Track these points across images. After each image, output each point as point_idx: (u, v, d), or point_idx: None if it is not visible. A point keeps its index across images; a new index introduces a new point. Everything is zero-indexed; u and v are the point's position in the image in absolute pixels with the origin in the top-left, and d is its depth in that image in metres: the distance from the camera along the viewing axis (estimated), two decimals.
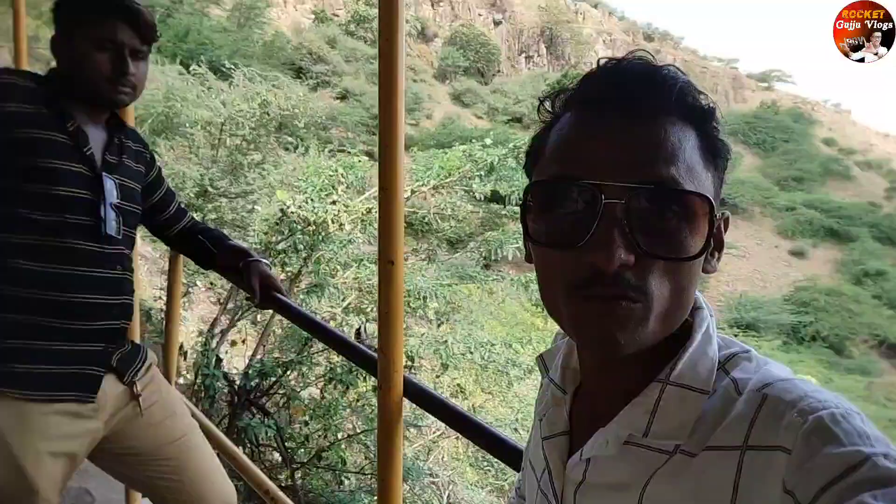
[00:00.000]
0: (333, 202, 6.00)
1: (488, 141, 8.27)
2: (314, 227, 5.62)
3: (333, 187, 6.36)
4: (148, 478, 1.56)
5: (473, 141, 9.68)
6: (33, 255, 1.35)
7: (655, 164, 0.51)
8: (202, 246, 1.76)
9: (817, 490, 0.43)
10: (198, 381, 4.57)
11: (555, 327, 0.65)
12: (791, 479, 0.45)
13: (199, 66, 10.61)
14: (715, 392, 0.54)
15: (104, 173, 1.43)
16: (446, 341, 8.03)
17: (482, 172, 8.12)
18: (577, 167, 0.52)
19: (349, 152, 9.89)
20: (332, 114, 25.27)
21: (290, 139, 13.08)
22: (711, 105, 0.55)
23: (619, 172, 0.51)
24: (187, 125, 11.04)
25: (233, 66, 11.56)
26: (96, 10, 1.40)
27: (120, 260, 1.47)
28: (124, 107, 1.51)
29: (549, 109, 0.60)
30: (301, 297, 5.48)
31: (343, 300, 6.24)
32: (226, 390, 4.19)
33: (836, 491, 0.42)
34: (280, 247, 5.62)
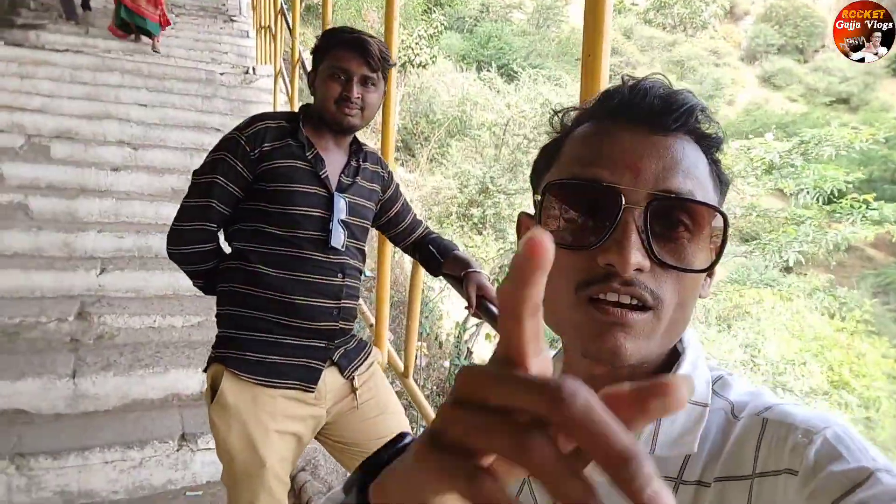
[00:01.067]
0: None
1: (769, 136, 7.48)
2: None
3: None
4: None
5: (777, 129, 8.78)
6: (270, 263, 1.54)
7: (676, 175, 0.52)
8: (431, 255, 1.84)
9: None
10: (449, 369, 5.10)
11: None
12: (800, 501, 0.44)
13: (489, 71, 11.53)
14: (712, 413, 0.54)
15: (337, 193, 1.59)
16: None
17: (758, 172, 7.38)
18: (599, 170, 0.52)
19: None
20: None
21: None
22: (720, 134, 0.57)
23: (641, 179, 0.51)
24: (475, 127, 11.97)
25: (520, 69, 12.27)
26: (333, 45, 1.58)
27: (342, 269, 1.60)
28: (354, 129, 1.63)
29: (562, 121, 0.61)
30: None
31: None
32: None
33: None
34: None
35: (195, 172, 1.60)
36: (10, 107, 4.64)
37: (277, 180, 1.54)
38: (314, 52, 1.63)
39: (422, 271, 2.11)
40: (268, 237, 1.55)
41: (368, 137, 13.87)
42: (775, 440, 0.49)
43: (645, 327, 0.51)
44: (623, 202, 0.50)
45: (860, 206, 8.21)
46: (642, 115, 0.54)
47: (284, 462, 1.58)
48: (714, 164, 0.57)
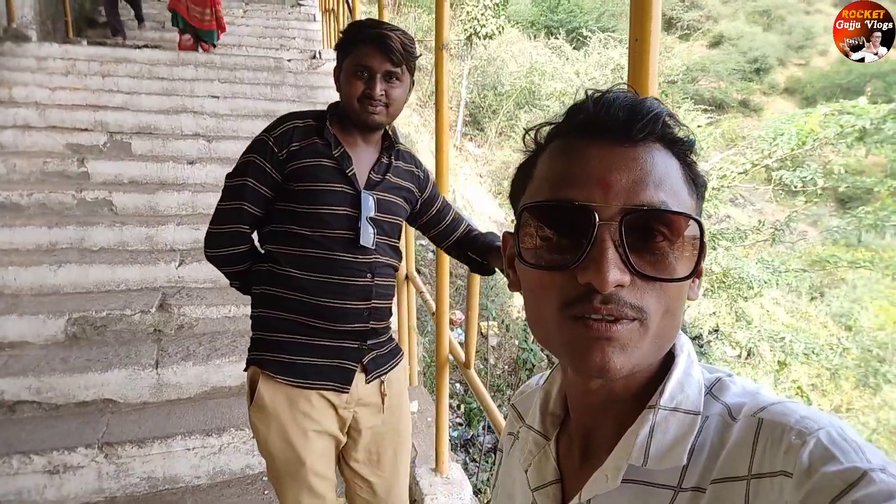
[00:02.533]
0: None
1: (862, 100, 6.83)
2: None
3: None
4: (350, 461, 1.72)
5: (875, 83, 8.08)
6: (299, 265, 1.54)
7: (647, 187, 0.52)
8: (471, 259, 1.82)
9: None
10: (517, 354, 5.07)
11: None
12: (794, 502, 0.44)
13: (557, 38, 11.19)
14: (708, 419, 0.55)
15: (364, 190, 1.57)
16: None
17: (849, 139, 6.77)
18: (570, 189, 0.53)
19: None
20: (701, 64, 23.66)
21: None
22: (691, 137, 0.57)
23: (612, 194, 0.51)
24: (544, 98, 11.69)
25: (590, 34, 11.81)
26: (354, 41, 1.55)
27: (372, 269, 1.58)
28: (379, 127, 1.60)
29: (535, 139, 0.61)
30: None
31: None
32: (543, 364, 4.57)
33: None
34: None
35: (228, 176, 1.61)
36: (94, 105, 4.89)
37: (304, 179, 1.54)
38: (337, 47, 1.60)
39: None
40: (296, 238, 1.55)
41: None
42: (770, 441, 0.49)
43: (631, 338, 0.51)
44: (597, 220, 0.51)
45: None
46: (608, 128, 0.54)
47: (324, 458, 1.61)
48: (688, 167, 0.57)
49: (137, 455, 2.64)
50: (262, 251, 1.64)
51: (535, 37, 15.67)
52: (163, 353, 3.10)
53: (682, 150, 0.56)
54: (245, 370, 1.66)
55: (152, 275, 3.58)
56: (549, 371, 0.71)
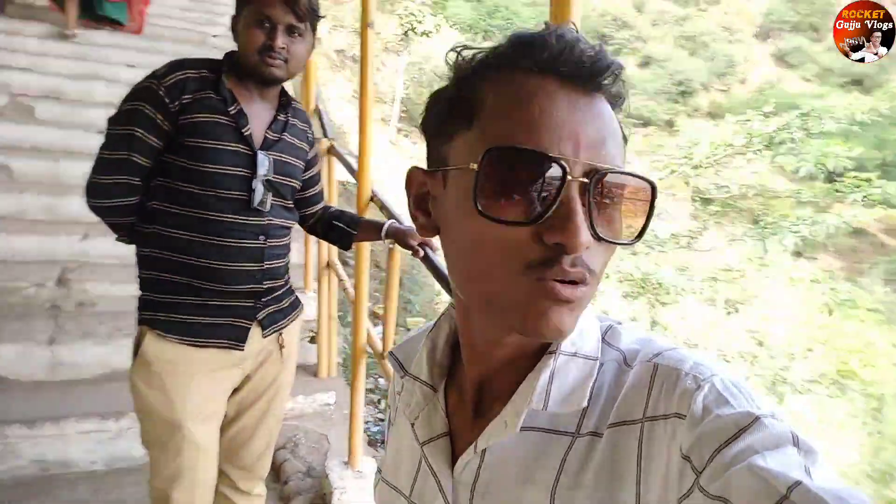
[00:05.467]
0: None
1: (767, 109, 7.29)
2: None
3: None
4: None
5: (791, 110, 8.57)
6: (186, 227, 1.48)
7: (608, 145, 0.50)
8: (340, 228, 1.82)
9: (711, 452, 0.43)
10: None
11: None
12: (686, 445, 0.45)
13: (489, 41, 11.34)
14: (604, 365, 0.55)
15: (260, 151, 1.51)
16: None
17: (760, 147, 7.18)
18: (540, 137, 0.48)
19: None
20: (631, 83, 24.60)
21: None
22: (626, 92, 0.55)
23: (581, 149, 0.48)
24: None
25: None
26: None
27: (265, 231, 1.54)
28: (278, 81, 1.53)
29: (469, 64, 0.55)
30: None
31: None
32: None
33: (729, 453, 0.42)
34: None
35: (110, 120, 1.49)
36: None
37: (195, 136, 1.46)
38: None
39: (399, 251, 2.02)
40: (184, 196, 1.48)
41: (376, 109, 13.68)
42: (665, 385, 0.50)
43: (584, 300, 0.51)
44: (568, 176, 0.48)
45: (862, 185, 7.85)
46: (573, 72, 0.50)
47: (210, 402, 1.57)
48: (621, 124, 0.55)
49: (27, 435, 2.43)
50: (148, 208, 1.53)
51: (473, 39, 15.79)
52: (59, 331, 2.87)
53: (620, 103, 0.55)
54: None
55: (52, 247, 3.31)
56: (431, 321, 0.67)
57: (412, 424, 0.63)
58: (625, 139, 0.55)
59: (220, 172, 1.47)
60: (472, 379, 0.60)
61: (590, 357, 0.55)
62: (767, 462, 0.40)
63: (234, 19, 1.52)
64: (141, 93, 1.46)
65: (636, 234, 0.52)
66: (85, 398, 2.64)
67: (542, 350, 0.56)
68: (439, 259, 1.71)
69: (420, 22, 11.59)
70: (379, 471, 0.71)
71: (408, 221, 1.72)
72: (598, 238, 0.49)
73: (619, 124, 0.54)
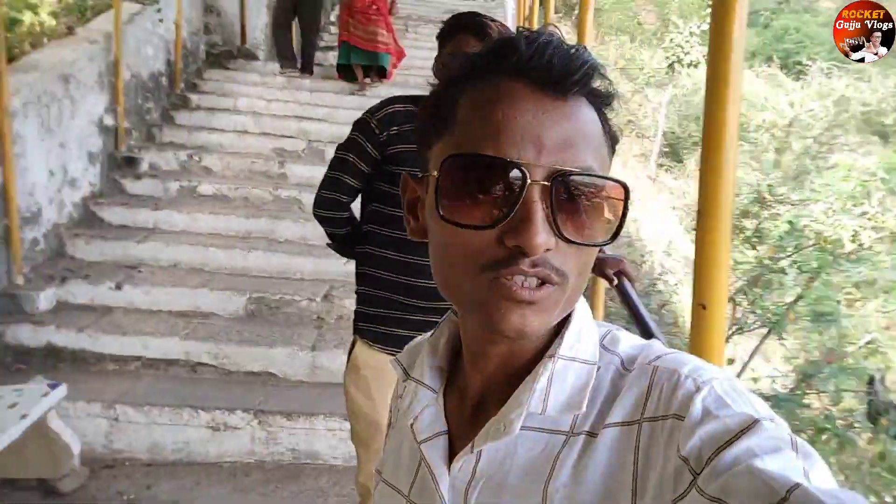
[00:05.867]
0: (863, 213, 4.97)
1: None
2: (825, 244, 4.80)
3: (869, 195, 5.26)
4: None
5: None
6: (392, 246, 1.67)
7: (577, 148, 0.50)
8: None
9: (709, 454, 0.43)
10: None
11: None
12: (685, 446, 0.45)
13: (769, 66, 10.35)
14: (601, 369, 0.55)
15: None
16: None
17: None
18: (501, 144, 0.49)
19: None
20: None
21: (875, 139, 11.38)
22: (613, 90, 0.55)
23: (544, 153, 0.49)
24: (753, 129, 10.86)
25: (810, 62, 10.73)
26: (454, 30, 1.63)
27: None
28: None
29: (449, 73, 0.57)
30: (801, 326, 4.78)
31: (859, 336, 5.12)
32: None
33: (728, 455, 0.42)
34: (781, 264, 4.99)
35: (337, 147, 1.75)
36: (299, 116, 5.48)
37: (400, 164, 1.64)
38: (438, 37, 1.68)
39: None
40: (390, 220, 1.66)
41: (632, 142, 13.42)
42: (665, 387, 0.50)
43: (550, 302, 0.51)
44: (528, 180, 0.48)
45: None
46: (541, 75, 0.50)
47: None
48: (606, 123, 0.55)
49: (285, 426, 2.86)
50: (363, 230, 1.76)
51: (757, 66, 14.51)
52: (320, 339, 3.34)
53: (604, 104, 0.54)
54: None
55: (324, 268, 3.89)
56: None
57: (411, 425, 0.64)
58: (613, 138, 0.55)
59: None
60: (474, 381, 0.61)
61: (588, 362, 0.56)
62: (767, 464, 0.40)
63: (436, 60, 1.69)
64: (358, 125, 1.72)
65: (611, 235, 0.52)
66: (334, 399, 3.03)
67: (540, 349, 0.57)
68: (634, 293, 1.65)
69: (687, 53, 11.10)
70: (378, 472, 0.72)
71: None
72: (565, 240, 0.49)
73: (605, 123, 0.54)
